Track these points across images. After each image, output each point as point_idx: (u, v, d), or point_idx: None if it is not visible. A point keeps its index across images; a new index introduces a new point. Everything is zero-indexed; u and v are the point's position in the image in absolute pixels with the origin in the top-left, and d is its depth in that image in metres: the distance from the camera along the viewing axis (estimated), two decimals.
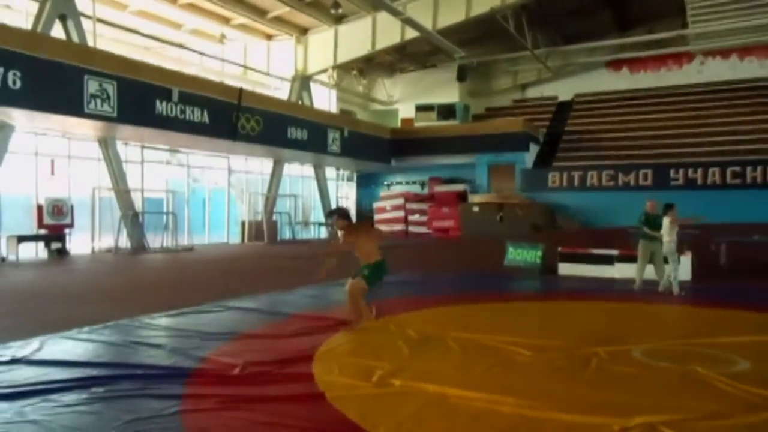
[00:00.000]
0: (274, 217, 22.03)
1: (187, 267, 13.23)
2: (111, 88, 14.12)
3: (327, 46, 23.54)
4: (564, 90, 28.70)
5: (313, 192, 25.35)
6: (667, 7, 23.94)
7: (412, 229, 25.23)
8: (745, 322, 6.81)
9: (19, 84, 12.22)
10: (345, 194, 28.49)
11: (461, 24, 21.26)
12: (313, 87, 24.58)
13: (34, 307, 7.42)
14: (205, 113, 16.68)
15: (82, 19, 15.66)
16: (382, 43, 22.76)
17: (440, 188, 25.88)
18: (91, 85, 13.71)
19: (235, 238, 21.40)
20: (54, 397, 3.83)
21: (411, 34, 21.67)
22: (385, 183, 28.72)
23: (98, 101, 13.84)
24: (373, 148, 24.61)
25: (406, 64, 28.47)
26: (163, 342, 5.40)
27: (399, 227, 25.18)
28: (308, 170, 25.14)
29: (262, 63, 24.19)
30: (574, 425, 3.40)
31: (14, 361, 4.64)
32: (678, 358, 4.92)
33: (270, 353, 4.96)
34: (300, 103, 23.31)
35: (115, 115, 14.24)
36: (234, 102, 17.54)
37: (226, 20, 22.15)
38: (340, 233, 6.04)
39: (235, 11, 21.12)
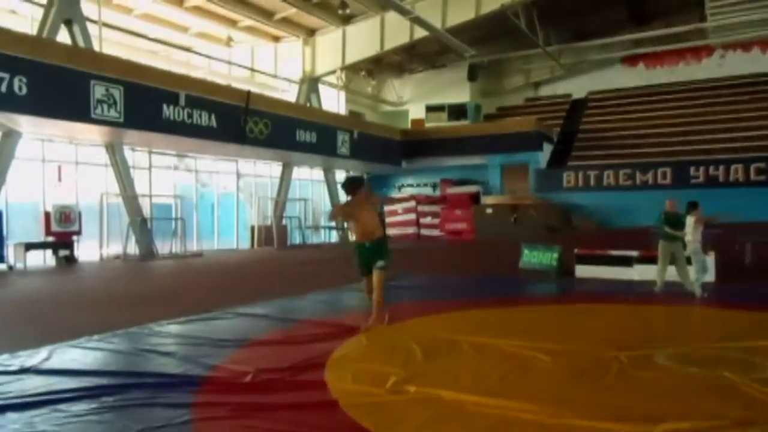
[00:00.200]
0: (283, 222, 22.09)
1: (197, 273, 13.28)
2: (117, 93, 14.24)
3: (335, 47, 23.61)
4: (578, 87, 28.56)
5: (323, 196, 25.40)
6: (685, 0, 23.75)
7: (424, 231, 25.18)
8: None
9: (24, 90, 12.36)
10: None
11: (471, 22, 21.23)
12: (322, 89, 24.66)
13: (43, 316, 7.48)
14: (213, 117, 16.77)
15: (88, 24, 15.83)
16: (391, 43, 22.78)
17: (452, 190, 25.81)
18: (98, 91, 13.84)
19: (245, 244, 21.48)
20: (63, 407, 3.84)
21: (420, 33, 21.67)
22: (396, 185, 28.70)
23: (105, 106, 13.96)
24: (383, 149, 24.62)
25: (415, 64, 28.48)
26: (173, 350, 5.41)
27: (411, 230, 25.14)
28: (318, 173, 25.19)
29: (270, 65, 24.32)
30: None
31: (23, 371, 4.67)
32: (704, 362, 4.85)
33: (282, 360, 4.95)
34: (308, 105, 23.38)
35: (121, 120, 14.36)
36: (242, 105, 17.62)
37: (232, 23, 22.29)
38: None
39: (242, 13, 21.25)
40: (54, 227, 14.82)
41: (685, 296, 8.76)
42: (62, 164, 15.94)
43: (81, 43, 15.31)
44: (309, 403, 3.90)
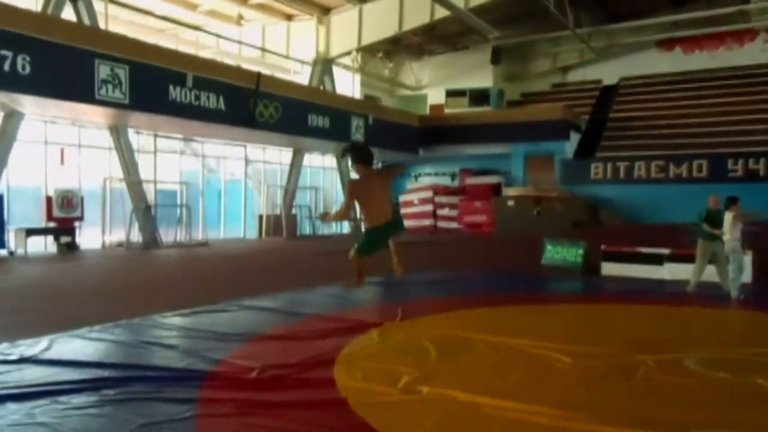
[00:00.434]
0: (293, 211, 22.18)
1: (202, 263, 13.40)
2: (123, 73, 14.35)
3: (351, 27, 23.54)
4: (609, 73, 28.21)
5: (335, 184, 25.44)
6: None
7: (441, 224, 25.14)
8: None
9: (28, 69, 12.50)
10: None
11: (496, 1, 21.05)
12: (336, 71, 24.62)
13: (44, 304, 7.61)
14: (221, 100, 16.83)
15: (94, 1, 15.94)
16: (410, 24, 22.66)
17: (472, 180, 25.72)
18: (102, 70, 13.95)
19: (252, 233, 21.62)
20: (63, 398, 3.92)
21: (441, 13, 21.52)
22: (413, 174, 28.65)
23: (109, 87, 14.08)
24: (400, 136, 24.57)
25: (435, 46, 28.30)
26: (176, 342, 5.48)
27: (427, 222, 25.11)
28: (330, 161, 25.23)
29: (282, 46, 24.32)
30: None
31: (23, 360, 4.77)
32: (736, 368, 4.81)
33: (289, 356, 4.99)
34: (321, 88, 23.38)
35: (126, 101, 14.47)
36: (251, 87, 17.67)
37: (243, 0, 22.32)
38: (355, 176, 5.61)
39: None
40: (56, 212, 15.03)
41: (720, 297, 8.67)
42: (65, 147, 16.12)
43: (86, 21, 15.43)
44: (317, 401, 3.93)
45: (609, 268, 11.14)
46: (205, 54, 21.31)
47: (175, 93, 15.63)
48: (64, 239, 15.11)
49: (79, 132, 16.39)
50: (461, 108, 27.99)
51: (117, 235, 16.77)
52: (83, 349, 5.20)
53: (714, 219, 8.89)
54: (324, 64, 23.84)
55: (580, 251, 11.53)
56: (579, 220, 19.88)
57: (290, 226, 21.19)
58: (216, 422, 3.60)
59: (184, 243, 17.43)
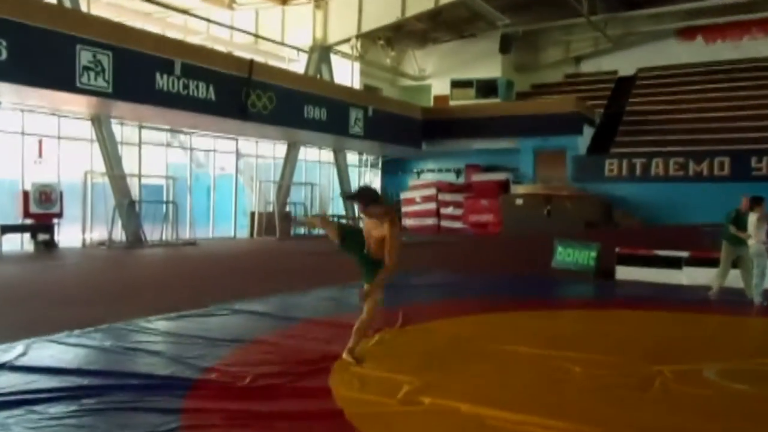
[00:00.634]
0: (287, 209, 22.16)
1: (189, 264, 13.39)
2: (106, 60, 14.33)
3: (350, 12, 23.51)
4: (625, 63, 28.21)
5: (332, 180, 25.43)
6: None
7: (445, 223, 25.14)
8: None
9: (5, 55, 12.49)
10: (369, 182, 28.50)
11: None
12: (334, 59, 24.60)
13: (19, 307, 7.60)
14: (211, 89, 16.82)
15: None
16: (414, 9, 22.64)
17: (478, 177, 25.72)
18: (84, 56, 13.94)
19: (243, 232, 21.61)
20: (40, 408, 3.91)
21: None
22: (415, 170, 28.65)
23: (92, 74, 14.06)
24: (402, 129, 24.57)
25: (440, 33, 28.29)
26: (161, 348, 5.48)
27: (430, 221, 25.12)
28: (327, 155, 25.21)
29: (276, 31, 24.31)
30: None
31: None
32: (758, 379, 4.81)
33: (282, 363, 5.00)
34: (318, 77, 23.35)
35: (110, 90, 14.45)
36: (244, 76, 17.66)
37: None
38: (371, 223, 4.91)
39: None
40: (33, 208, 15.00)
41: (742, 304, 8.67)
42: (43, 138, 16.10)
43: (67, 3, 15.41)
44: (311, 412, 3.93)
45: (624, 272, 11.13)
46: (194, 40, 21.27)
47: (161, 81, 15.61)
48: (42, 237, 15.09)
49: (59, 122, 16.36)
50: (467, 100, 28.01)
51: (98, 233, 16.74)
52: (61, 354, 5.19)
53: (743, 221, 8.88)
54: (321, 52, 23.82)
55: (593, 254, 11.53)
56: (592, 221, 19.88)
57: (284, 225, 21.17)
58: None
59: (171, 242, 17.41)
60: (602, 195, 21.95)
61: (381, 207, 4.90)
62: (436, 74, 29.39)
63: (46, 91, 13.73)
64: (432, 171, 28.22)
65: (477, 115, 25.03)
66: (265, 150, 22.74)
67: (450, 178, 27.30)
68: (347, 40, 24.57)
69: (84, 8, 16.07)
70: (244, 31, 24.03)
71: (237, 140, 21.51)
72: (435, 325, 6.82)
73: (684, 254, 10.78)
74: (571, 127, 23.55)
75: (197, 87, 16.48)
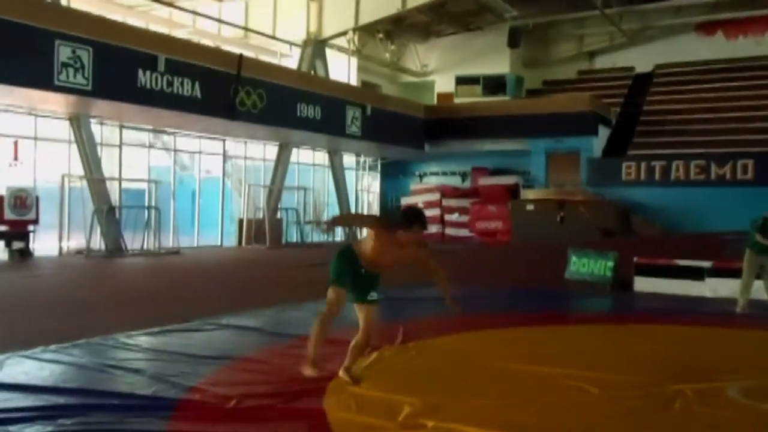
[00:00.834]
0: (278, 215, 22.16)
1: (173, 274, 13.37)
2: (86, 56, 14.36)
3: (347, 4, 23.59)
4: (642, 59, 28.32)
5: (327, 184, 25.44)
6: None
7: (449, 231, 25.15)
8: None
9: None
10: (366, 186, 28.53)
11: None
12: (329, 54, 24.66)
13: None
14: (197, 86, 16.85)
15: None
16: (416, 0, 22.72)
17: (485, 181, 25.75)
18: (63, 52, 13.96)
19: (231, 240, 21.60)
20: (14, 428, 3.89)
21: None
22: (417, 173, 28.69)
23: (71, 71, 14.09)
24: (403, 129, 24.61)
25: (444, 26, 28.39)
26: (143, 366, 5.46)
27: (434, 229, 25.10)
28: (322, 157, 25.23)
29: (267, 24, 24.37)
30: None
31: None
32: None
33: (273, 383, 4.98)
34: (313, 73, 23.41)
35: (90, 87, 14.49)
36: (232, 72, 17.69)
37: None
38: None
39: None
40: (7, 214, 14.96)
41: (766, 318, 8.66)
42: (18, 140, 16.11)
43: None
44: None
45: (642, 284, 11.13)
46: (179, 34, 21.35)
47: (144, 78, 15.64)
48: (17, 245, 15.06)
49: (35, 122, 16.38)
50: (473, 97, 28.07)
51: (76, 241, 16.74)
52: (36, 372, 5.18)
53: (765, 227, 8.87)
54: (315, 46, 23.88)
55: (610, 264, 11.51)
56: (608, 228, 19.89)
57: (275, 233, 21.17)
58: None
59: (153, 251, 17.41)
60: (619, 200, 21.99)
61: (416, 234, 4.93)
62: (439, 70, 29.46)
63: (22, 89, 13.75)
64: (435, 174, 28.25)
65: (484, 114, 25.05)
66: (254, 151, 22.75)
67: (455, 182, 27.33)
68: (343, 34, 24.63)
69: (63, 1, 16.12)
70: (232, 25, 24.10)
71: (224, 141, 21.53)
72: (438, 342, 6.80)
73: (706, 264, 10.77)
74: (586, 127, 23.59)
75: (182, 84, 16.51)
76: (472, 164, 26.93)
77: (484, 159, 26.47)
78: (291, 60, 24.39)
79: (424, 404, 4.45)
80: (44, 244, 16.34)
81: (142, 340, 6.50)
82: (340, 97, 21.97)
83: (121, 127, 18.36)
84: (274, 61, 23.73)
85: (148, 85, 15.74)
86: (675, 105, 25.30)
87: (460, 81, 28.87)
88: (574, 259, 12.13)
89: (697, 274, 10.77)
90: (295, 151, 23.30)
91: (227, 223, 21.96)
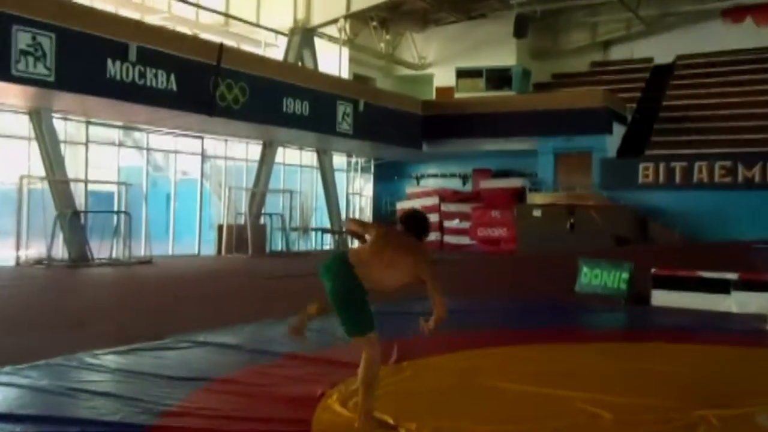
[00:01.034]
0: (262, 221, 22.13)
1: (145, 286, 13.33)
2: (48, 43, 14.32)
3: None
4: (662, 49, 28.41)
5: (315, 187, 25.43)
6: None
7: (449, 239, 25.16)
8: None
9: None
10: (359, 190, 28.54)
11: None
12: (318, 44, 24.70)
13: None
14: (172, 78, 16.82)
15: None
16: None
17: (488, 184, 25.78)
18: (22, 39, 13.91)
19: (209, 249, 21.56)
20: None
21: None
22: (414, 175, 28.71)
23: (30, 60, 14.04)
24: (398, 127, 24.64)
25: (444, 14, 28.47)
26: (109, 389, 5.44)
27: (432, 236, 25.07)
28: (309, 157, 25.21)
29: (251, 11, 24.38)
30: None
31: None
32: None
33: (255, 407, 4.96)
34: (300, 65, 23.41)
35: (52, 78, 14.43)
36: (212, 63, 17.67)
37: None
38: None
39: None
40: None
41: None
42: None
43: None
44: None
45: (661, 298, 11.14)
46: (153, 20, 21.30)
47: (113, 69, 15.60)
48: None
49: None
50: (476, 92, 28.14)
51: (36, 250, 16.66)
52: None
53: None
54: (303, 35, 23.91)
55: (625, 275, 11.53)
56: (623, 236, 19.93)
57: (258, 240, 21.14)
58: None
59: (123, 260, 17.34)
60: (635, 205, 22.03)
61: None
62: (439, 62, 29.51)
63: None
64: (434, 176, 28.28)
65: (487, 110, 25.12)
66: (236, 151, 22.73)
67: (455, 184, 27.37)
68: (334, 22, 24.66)
69: None
70: (212, 10, 24.07)
71: (203, 139, 21.50)
72: (436, 361, 6.80)
73: (733, 276, 10.78)
74: (599, 124, 23.67)
75: (156, 76, 16.47)
76: (474, 166, 26.98)
77: (486, 160, 26.51)
78: (276, 50, 24.40)
79: (421, 429, 4.45)
80: (0, 252, 16.25)
81: (109, 359, 6.47)
82: (330, 92, 21.98)
83: (88, 123, 18.31)
84: (258, 51, 23.72)
85: (117, 77, 15.68)
86: (698, 100, 25.38)
87: (462, 74, 28.94)
88: (585, 270, 12.14)
89: (722, 287, 10.76)
90: (280, 150, 23.28)
91: (205, 229, 21.92)
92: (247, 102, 18.83)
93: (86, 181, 18.11)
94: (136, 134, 20.21)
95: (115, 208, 18.38)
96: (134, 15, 20.98)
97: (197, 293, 12.18)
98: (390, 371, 6.18)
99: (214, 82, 17.74)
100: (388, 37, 28.37)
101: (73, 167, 17.61)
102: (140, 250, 18.64)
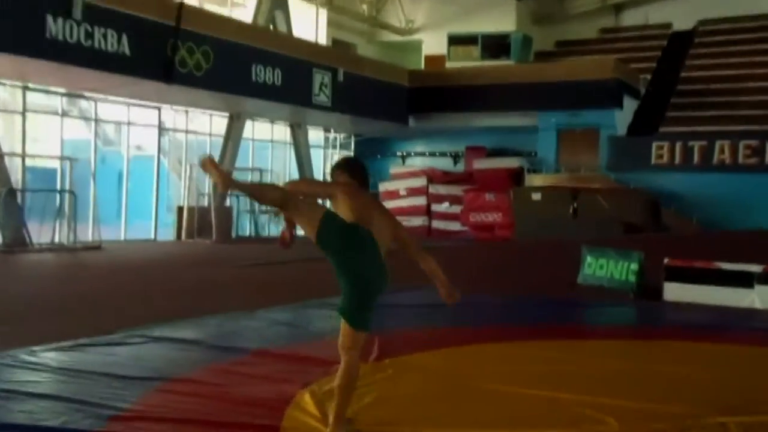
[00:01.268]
0: (227, 203, 22.05)
1: (92, 275, 13.26)
2: None
3: None
4: (681, 14, 28.48)
5: (288, 165, 25.35)
6: None
7: (437, 224, 25.20)
8: None
9: None
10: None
11: None
12: (293, 4, 24.53)
13: None
14: (125, 39, 16.66)
15: None
16: None
17: (483, 164, 25.81)
18: None
19: (167, 234, 21.50)
20: None
21: None
22: (399, 154, 28.70)
23: None
24: (382, 99, 24.61)
25: None
26: (50, 390, 5.39)
27: (418, 221, 25.15)
28: (282, 132, 25.11)
29: None
30: None
31: None
32: None
33: (217, 410, 4.93)
34: (272, 28, 23.25)
35: None
36: (170, 24, 17.53)
37: None
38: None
39: None
40: None
41: None
42: None
43: None
44: None
45: (674, 291, 11.20)
46: None
47: (55, 27, 15.41)
48: None
49: None
50: (470, 61, 28.11)
51: None
52: None
53: None
54: None
55: (634, 266, 11.59)
56: (633, 223, 20.04)
57: (223, 224, 21.07)
58: None
59: (67, 245, 17.25)
60: (647, 189, 22.13)
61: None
62: (428, 27, 29.44)
63: None
64: (421, 155, 28.28)
65: (482, 81, 25.11)
66: (198, 124, 22.61)
67: (445, 164, 27.38)
68: None
69: None
70: None
71: (160, 110, 21.36)
72: (422, 359, 6.79)
73: (756, 269, 10.86)
74: (608, 98, 23.71)
75: (105, 36, 16.30)
76: (467, 143, 26.98)
77: (481, 137, 26.51)
78: (245, 11, 24.22)
79: None
80: None
81: (50, 357, 6.42)
82: (305, 59, 21.89)
83: (25, 88, 18.09)
84: (224, 11, 23.53)
85: (60, 37, 15.49)
86: (721, 71, 25.45)
87: (454, 41, 28.88)
88: (589, 260, 12.19)
89: (744, 281, 10.84)
90: (248, 124, 23.19)
91: (163, 212, 21.83)
92: (210, 68, 18.70)
93: (23, 156, 17.92)
94: (83, 103, 20.03)
95: (58, 187, 18.25)
96: None
97: (153, 283, 12.14)
98: (369, 369, 6.16)
99: (173, 45, 17.59)
100: None
101: (9, 139, 17.43)
102: (87, 235, 18.53)
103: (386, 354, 6.65)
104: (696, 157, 22.41)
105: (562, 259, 13.35)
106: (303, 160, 24.97)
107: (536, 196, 21.96)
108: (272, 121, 24.53)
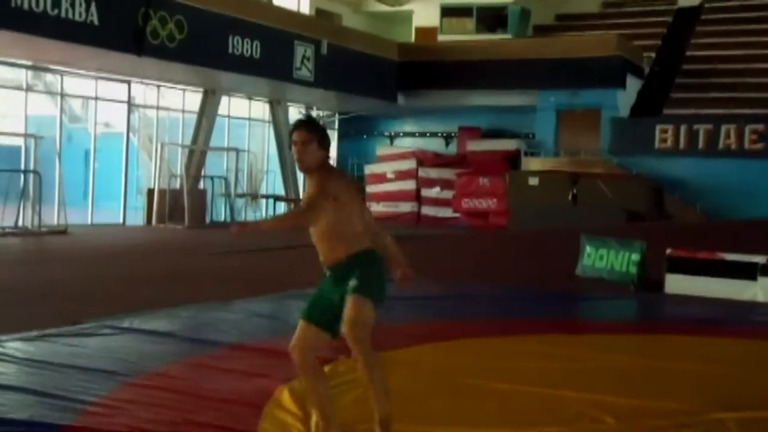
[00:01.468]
0: (201, 185, 21.98)
1: (58, 261, 13.21)
2: None
3: None
4: None
5: (267, 145, 25.27)
6: None
7: (427, 210, 25.20)
8: None
9: None
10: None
11: None
12: None
13: None
14: (93, 8, 16.55)
15: None
16: None
17: (477, 146, 25.79)
18: None
19: (137, 218, 21.43)
20: None
21: None
22: (387, 133, 28.64)
23: None
24: (369, 74, 24.52)
25: None
26: (15, 382, 5.41)
27: (407, 207, 25.16)
28: (260, 108, 25.02)
29: None
30: None
31: None
32: None
33: (190, 407, 4.96)
34: None
35: None
36: None
37: None
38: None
39: None
40: None
41: None
42: None
43: None
44: None
45: (677, 283, 11.27)
46: None
47: None
48: None
49: None
50: (464, 35, 28.04)
51: None
52: None
53: None
54: None
55: (635, 257, 11.65)
56: (634, 211, 20.09)
57: (196, 209, 21.02)
58: None
59: (31, 229, 17.20)
60: (650, 175, 22.18)
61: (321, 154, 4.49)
62: None
63: None
64: (411, 135, 28.23)
65: (477, 57, 25.04)
66: (170, 100, 22.50)
67: (436, 146, 27.35)
68: None
69: None
70: None
71: (129, 84, 21.23)
72: (411, 354, 6.84)
73: (761, 260, 10.94)
74: (610, 77, 23.71)
75: (72, 5, 16.18)
76: (460, 123, 26.93)
77: (475, 117, 26.49)
78: None
79: None
80: None
81: (14, 347, 6.42)
82: (286, 30, 21.78)
83: None
84: None
85: (24, 5, 15.39)
86: (728, 50, 25.48)
87: (447, 12, 28.78)
88: (588, 249, 12.25)
89: (748, 273, 10.92)
90: (224, 100, 23.10)
91: (132, 194, 21.74)
92: (184, 39, 18.59)
93: None
94: (48, 76, 19.91)
95: (22, 166, 18.16)
96: None
97: (122, 271, 12.12)
98: (353, 365, 6.21)
99: (145, 14, 17.49)
100: None
101: None
102: (53, 218, 18.46)
103: (375, 348, 6.69)
104: (701, 142, 22.41)
105: (559, 248, 13.40)
106: (283, 140, 24.85)
107: (533, 181, 21.96)
108: (250, 98, 24.43)
